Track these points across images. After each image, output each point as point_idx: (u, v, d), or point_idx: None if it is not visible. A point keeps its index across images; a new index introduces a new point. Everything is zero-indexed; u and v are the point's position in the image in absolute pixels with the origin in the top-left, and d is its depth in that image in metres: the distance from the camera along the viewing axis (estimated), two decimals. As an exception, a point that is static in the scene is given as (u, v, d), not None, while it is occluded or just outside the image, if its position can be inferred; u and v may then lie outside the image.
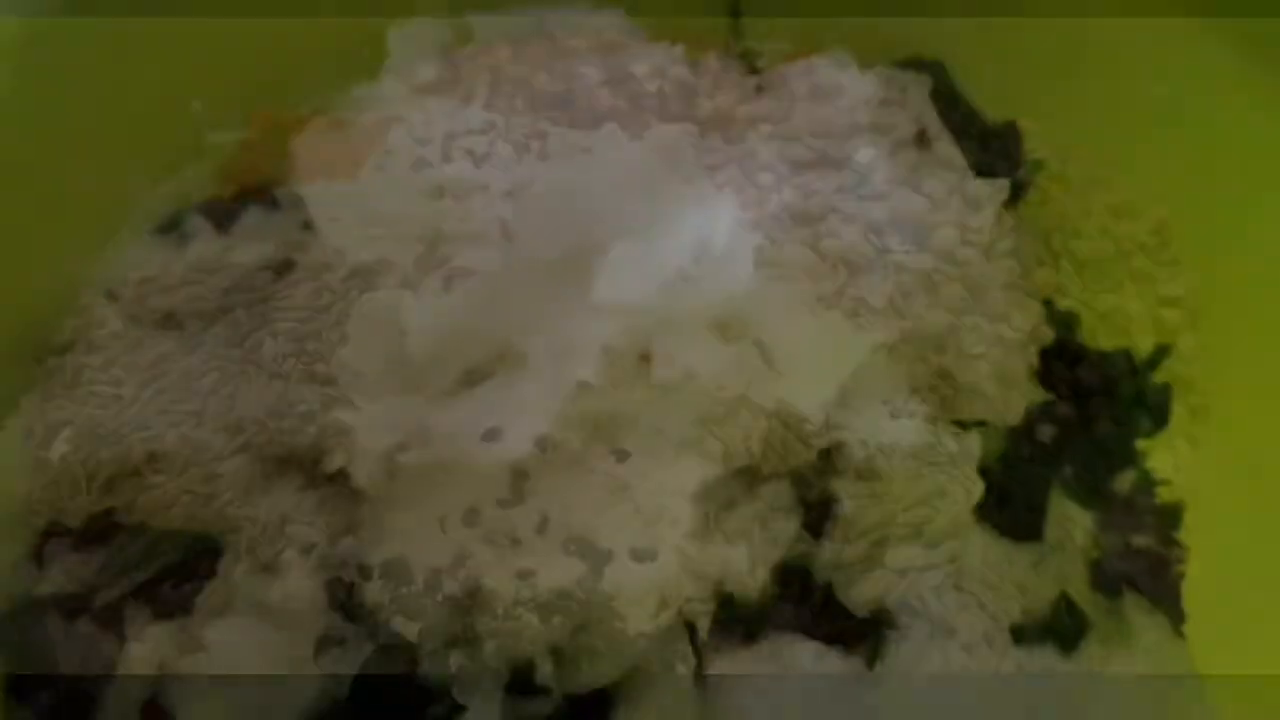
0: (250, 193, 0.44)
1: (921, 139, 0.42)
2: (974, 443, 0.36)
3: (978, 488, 0.36)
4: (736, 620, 0.35)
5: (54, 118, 0.39)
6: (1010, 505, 0.38)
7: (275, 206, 0.43)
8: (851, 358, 0.34)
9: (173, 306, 0.39)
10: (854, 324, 0.33)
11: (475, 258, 0.32)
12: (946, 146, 0.42)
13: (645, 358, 0.32)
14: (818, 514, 0.36)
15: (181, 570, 0.36)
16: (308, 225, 0.41)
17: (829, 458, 0.36)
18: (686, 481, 0.33)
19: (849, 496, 0.35)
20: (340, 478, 0.35)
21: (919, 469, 0.35)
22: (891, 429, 0.35)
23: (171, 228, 0.43)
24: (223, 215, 0.43)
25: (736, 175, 0.31)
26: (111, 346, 0.36)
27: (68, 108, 0.39)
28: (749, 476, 0.35)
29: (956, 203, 0.34)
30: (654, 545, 0.32)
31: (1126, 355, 0.43)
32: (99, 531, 0.36)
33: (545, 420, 0.31)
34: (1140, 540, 0.41)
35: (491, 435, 0.32)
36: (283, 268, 0.40)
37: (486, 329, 0.33)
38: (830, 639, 0.35)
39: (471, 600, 0.32)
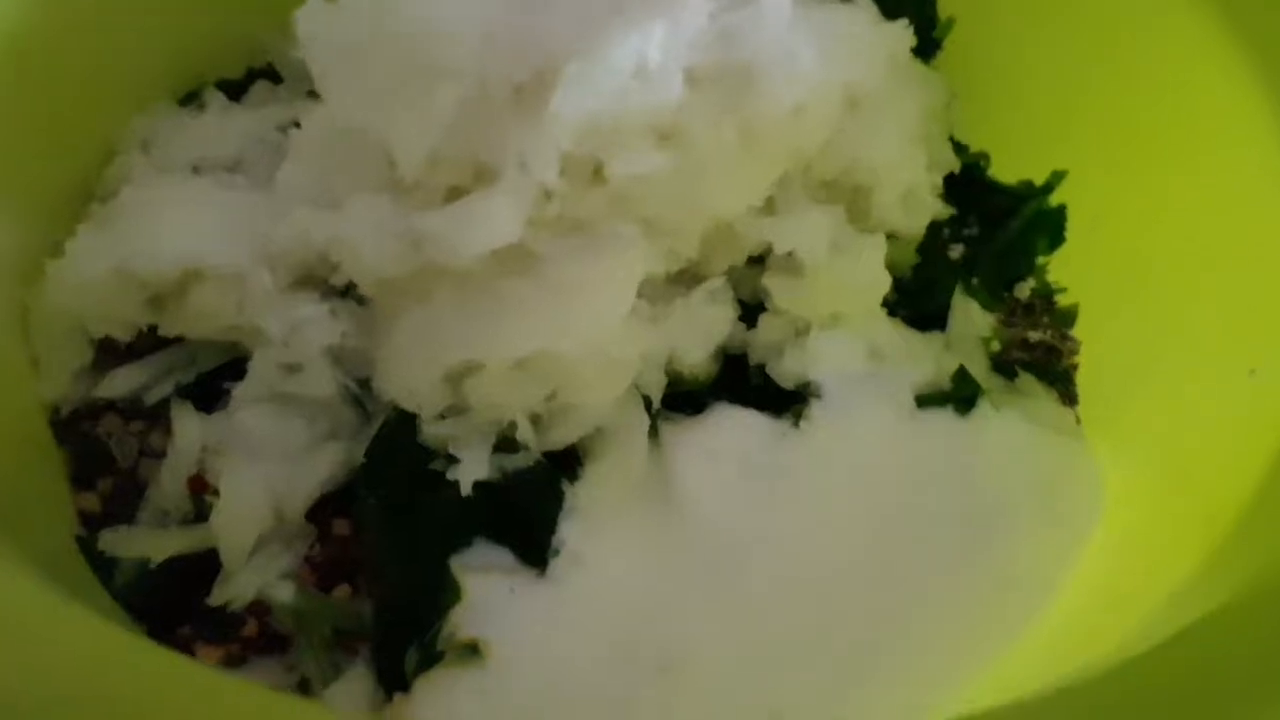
0: (259, 72, 0.50)
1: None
2: (880, 243, 0.42)
3: (885, 281, 0.42)
4: (685, 395, 0.41)
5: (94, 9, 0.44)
6: (919, 303, 0.45)
7: (279, 79, 0.49)
8: (770, 170, 0.40)
9: (197, 158, 0.45)
10: (776, 138, 0.39)
11: (451, 90, 0.38)
12: (866, 2, 0.47)
13: (599, 170, 0.38)
14: (751, 307, 0.42)
15: (218, 373, 0.42)
16: (312, 94, 0.46)
17: (760, 262, 0.42)
18: (633, 274, 0.38)
19: (777, 291, 0.41)
20: (349, 288, 0.41)
21: (836, 266, 0.41)
22: (812, 234, 0.41)
23: (190, 100, 0.49)
24: (234, 89, 0.49)
25: (662, 4, 0.37)
26: (148, 189, 0.42)
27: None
28: (692, 275, 0.42)
29: (854, 40, 0.40)
30: (608, 327, 0.38)
31: (1028, 185, 0.49)
32: (145, 345, 0.42)
33: (513, 222, 0.37)
34: (1037, 336, 0.47)
35: (473, 241, 0.38)
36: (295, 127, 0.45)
37: (465, 150, 0.39)
38: (763, 407, 0.41)
39: (463, 374, 0.38)
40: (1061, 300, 0.48)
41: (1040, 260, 0.48)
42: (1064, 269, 0.48)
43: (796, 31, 0.38)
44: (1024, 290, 0.48)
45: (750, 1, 0.38)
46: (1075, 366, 0.46)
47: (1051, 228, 0.48)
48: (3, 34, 0.41)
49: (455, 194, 0.39)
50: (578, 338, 0.37)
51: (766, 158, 0.39)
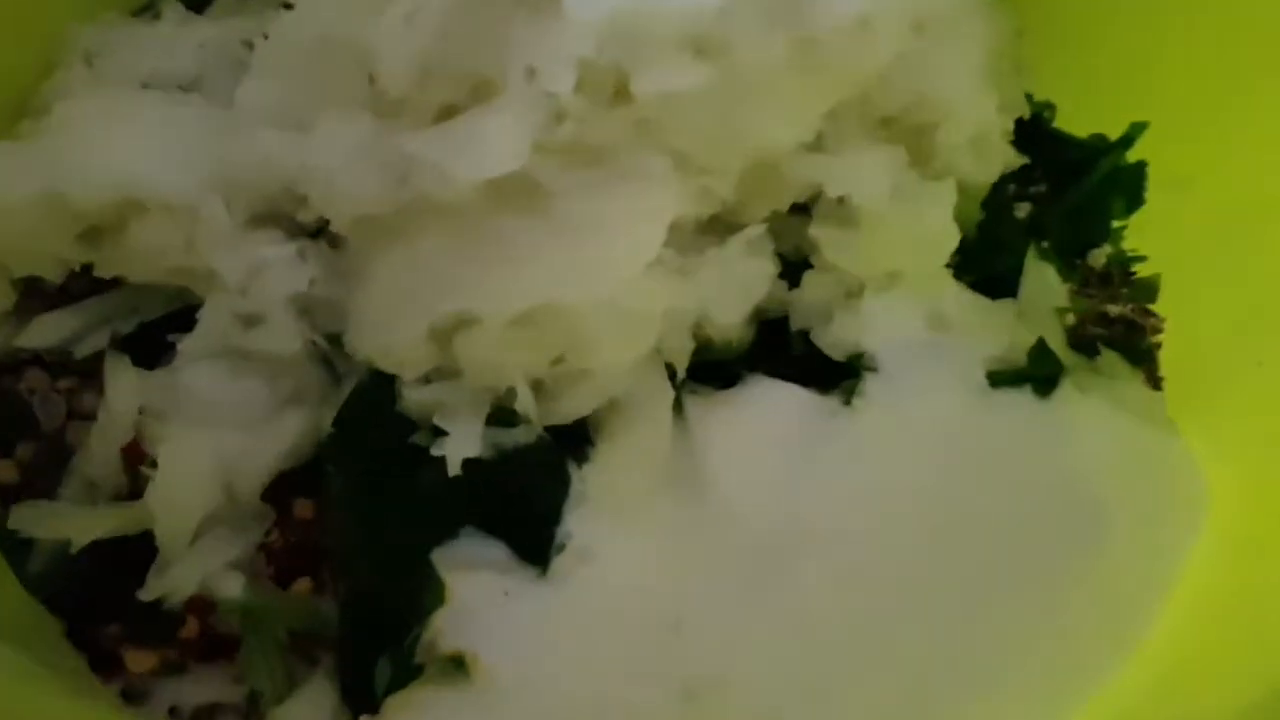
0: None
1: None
2: (950, 190, 0.36)
3: (954, 235, 0.36)
4: (714, 365, 0.35)
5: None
6: (983, 266, 0.39)
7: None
8: (825, 96, 0.34)
9: (148, 73, 0.38)
10: (833, 58, 0.33)
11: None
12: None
13: (622, 87, 0.32)
14: (794, 263, 0.36)
15: (162, 323, 0.36)
16: (286, 6, 0.40)
17: (806, 210, 0.36)
18: (663, 214, 0.32)
19: (827, 243, 0.35)
20: (321, 228, 0.35)
21: (897, 217, 0.35)
22: (871, 176, 0.35)
23: (146, 9, 0.42)
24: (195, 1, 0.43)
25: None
26: (89, 102, 0.35)
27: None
28: (727, 222, 0.35)
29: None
30: (627, 277, 0.32)
31: (1101, 138, 0.43)
32: (78, 287, 0.36)
33: (519, 143, 0.31)
34: (1116, 309, 0.41)
35: (468, 167, 0.31)
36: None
37: (460, 59, 0.32)
38: (807, 381, 0.35)
39: (452, 330, 0.32)
40: (1141, 270, 0.42)
41: (1116, 224, 0.43)
42: (1144, 235, 0.43)
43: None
44: (1098, 258, 0.42)
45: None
46: (1159, 346, 0.41)
47: (1129, 187, 0.43)
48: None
49: (448, 113, 0.33)
50: (591, 289, 0.32)
51: (821, 82, 0.33)
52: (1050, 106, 0.45)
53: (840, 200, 0.35)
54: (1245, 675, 0.28)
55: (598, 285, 0.32)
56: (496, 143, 0.31)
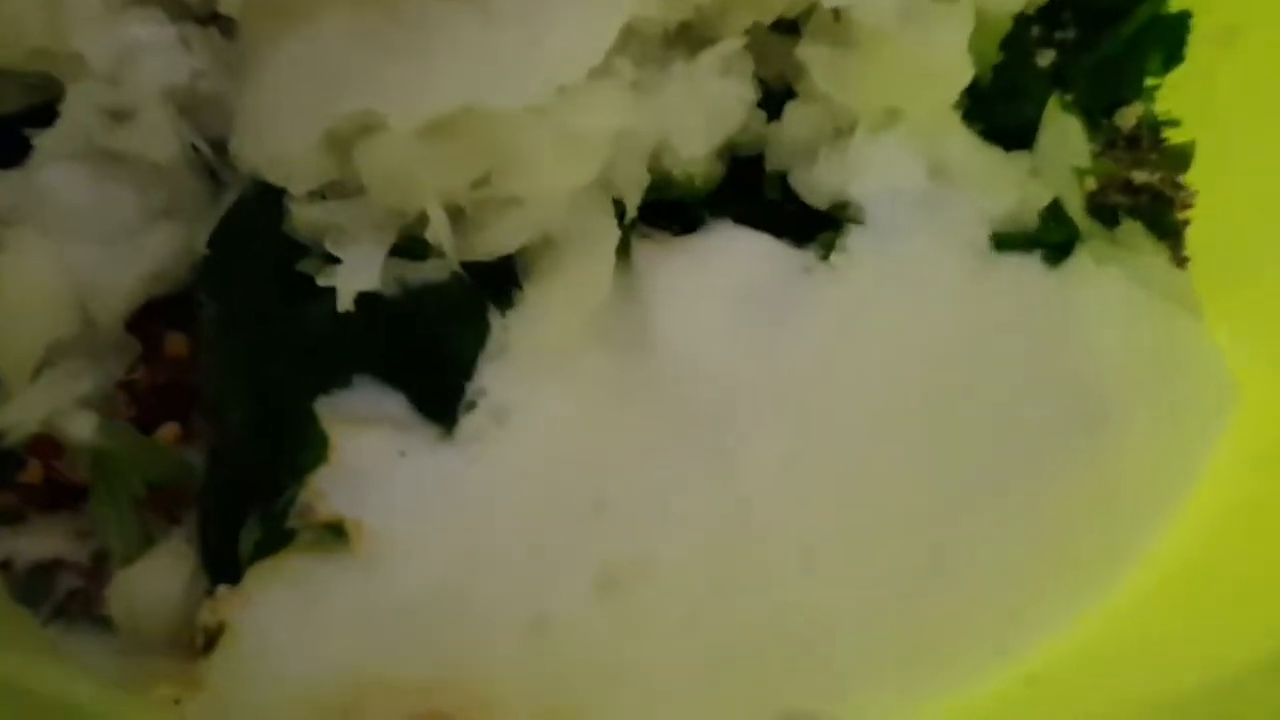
0: None
1: None
2: (967, 14, 0.31)
3: (967, 70, 0.32)
4: (672, 205, 0.31)
5: None
6: (997, 114, 0.35)
7: None
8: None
9: None
10: None
11: None
12: None
13: None
14: (775, 92, 0.32)
15: (18, 118, 0.31)
16: None
17: (795, 27, 0.32)
18: (619, 14, 0.28)
19: (817, 67, 0.31)
20: (210, 12, 0.31)
21: (901, 42, 0.31)
22: (873, -10, 0.30)
23: None
24: None
25: None
26: None
27: None
28: (699, 34, 0.31)
29: None
30: (569, 78, 0.28)
31: (1142, -25, 0.39)
32: (-80, 66, 0.31)
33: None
34: (1143, 176, 0.38)
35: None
36: None
37: None
38: (781, 231, 0.32)
39: (354, 135, 0.27)
40: (1173, 136, 0.39)
41: (1150, 82, 0.39)
42: (1179, 97, 0.39)
43: None
44: (1128, 118, 0.39)
45: None
46: (1187, 222, 0.37)
47: (1169, 41, 0.39)
48: None
49: None
50: (524, 94, 0.28)
51: None
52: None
53: (837, 15, 0.31)
54: (1264, 599, 0.26)
55: (533, 89, 0.27)
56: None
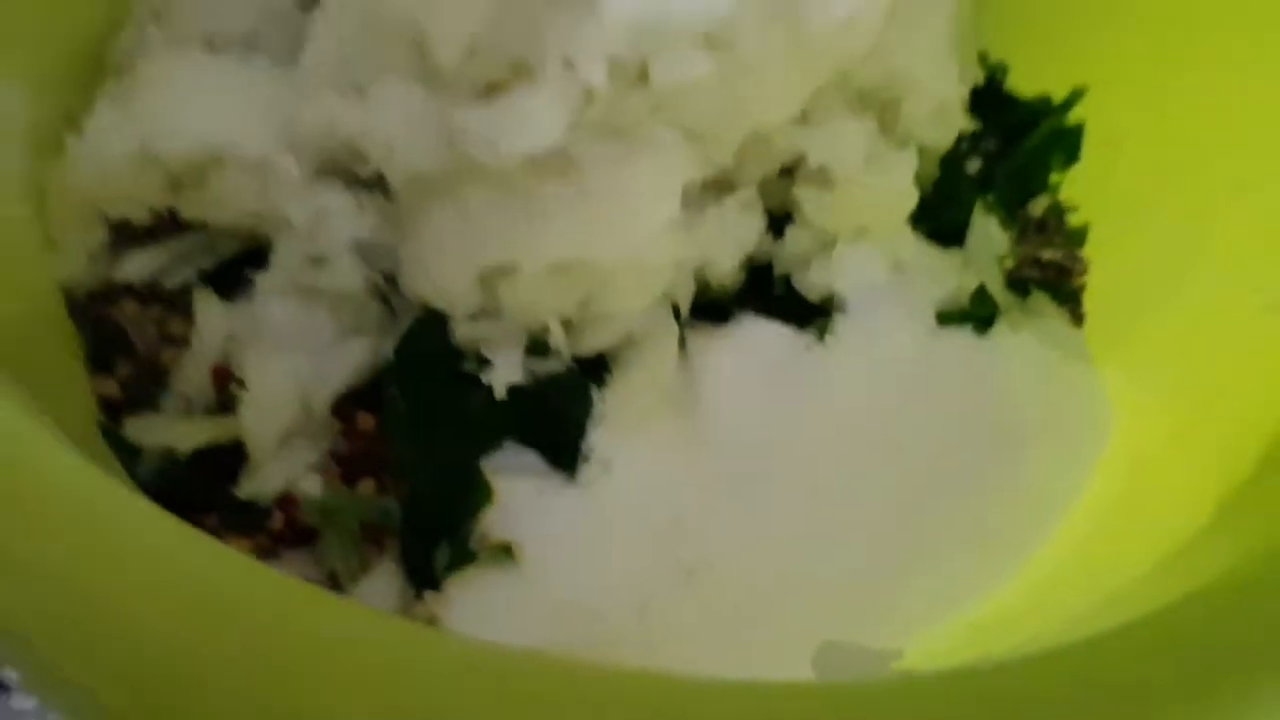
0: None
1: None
2: (912, 159, 0.42)
3: (914, 197, 0.42)
4: (711, 304, 0.41)
5: None
6: (940, 219, 0.45)
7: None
8: (812, 80, 0.39)
9: (211, 31, 0.43)
10: (822, 49, 0.39)
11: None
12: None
13: (644, 73, 0.38)
14: (780, 220, 0.42)
15: (242, 262, 0.41)
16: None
17: (791, 173, 0.42)
18: (675, 182, 0.38)
19: (807, 201, 0.42)
20: (379, 183, 0.40)
21: (867, 180, 0.41)
22: (848, 146, 0.41)
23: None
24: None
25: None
26: (168, 65, 0.40)
27: None
28: (724, 185, 0.41)
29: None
30: (645, 235, 0.38)
31: (1046, 100, 0.49)
32: (165, 228, 0.41)
33: (558, 123, 0.37)
34: (1049, 254, 0.48)
35: (515, 142, 0.37)
36: (308, 4, 0.44)
37: (504, 43, 0.38)
38: (788, 319, 0.42)
39: (496, 276, 0.38)
40: (1072, 219, 0.48)
41: (1055, 178, 0.49)
42: (1076, 187, 0.49)
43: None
44: (1037, 208, 0.48)
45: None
46: (1083, 286, 0.47)
47: (1068, 146, 0.48)
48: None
49: (492, 89, 0.38)
50: (615, 245, 0.37)
51: (810, 68, 0.38)
52: (1003, 67, 0.51)
53: (820, 166, 0.41)
54: (1134, 556, 0.33)
55: (622, 242, 0.37)
56: (538, 122, 0.36)
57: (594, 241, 0.37)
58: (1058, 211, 0.48)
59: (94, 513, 0.25)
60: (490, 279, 0.38)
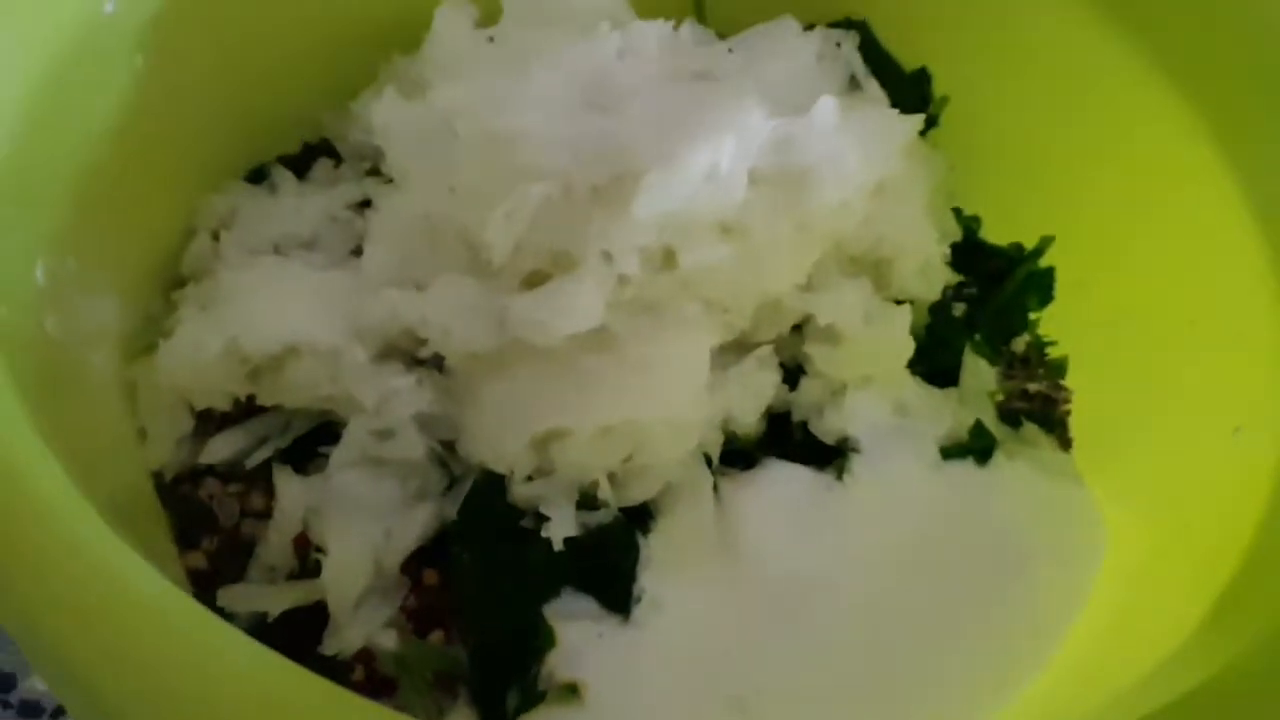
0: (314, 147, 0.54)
1: (852, 82, 0.54)
2: (906, 313, 0.47)
3: (910, 347, 0.47)
4: (738, 452, 0.46)
5: (166, 89, 0.48)
6: (934, 362, 0.50)
7: (335, 156, 0.53)
8: (813, 253, 0.45)
9: (278, 237, 0.49)
10: (820, 226, 0.45)
11: (538, 189, 0.43)
12: (874, 89, 0.53)
13: (670, 257, 0.43)
14: (794, 371, 0.47)
15: (314, 439, 0.45)
16: (372, 171, 0.51)
17: (801, 330, 0.48)
18: (704, 348, 0.43)
19: (817, 356, 0.46)
20: (435, 361, 0.45)
21: (868, 334, 0.47)
22: (849, 306, 0.46)
23: (258, 179, 0.52)
24: (295, 163, 0.53)
25: (731, 113, 0.42)
26: (244, 271, 0.46)
27: (177, 81, 0.48)
28: (743, 345, 0.46)
29: (884, 135, 0.46)
30: (680, 397, 0.43)
31: (1019, 247, 0.55)
32: (244, 414, 0.46)
33: (598, 306, 0.42)
34: (1035, 386, 0.52)
35: (561, 324, 0.42)
36: (362, 205, 0.50)
37: (546, 239, 0.43)
38: (807, 461, 0.46)
39: (548, 440, 0.43)
40: (1053, 352, 0.52)
41: (1033, 316, 0.54)
42: (1053, 324, 0.54)
43: (841, 135, 0.43)
44: (1020, 344, 0.52)
45: (803, 112, 0.43)
46: (1068, 413, 0.51)
47: (1041, 288, 0.53)
48: (89, 124, 0.44)
49: (535, 277, 0.44)
50: (654, 407, 0.42)
51: (811, 244, 0.44)
52: (976, 219, 0.57)
53: (826, 325, 0.47)
54: (1134, 666, 0.36)
55: (660, 405, 0.42)
56: (581, 306, 0.41)
57: (635, 405, 0.42)
58: (1039, 346, 0.53)
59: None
60: (543, 443, 0.43)
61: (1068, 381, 0.52)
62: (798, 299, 0.45)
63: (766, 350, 0.46)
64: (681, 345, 0.42)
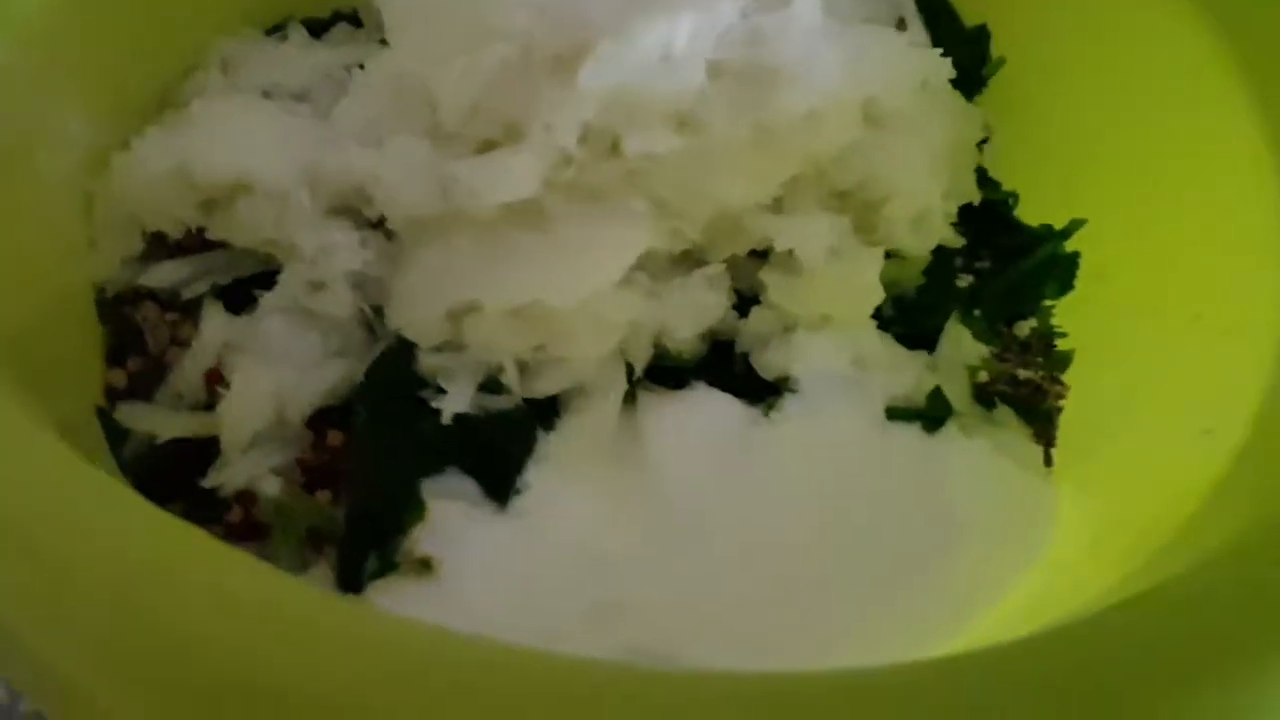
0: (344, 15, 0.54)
1: (900, 24, 0.50)
2: (878, 257, 0.44)
3: (878, 294, 0.44)
4: (669, 369, 0.44)
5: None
6: (917, 322, 0.47)
7: (359, 24, 0.53)
8: (780, 169, 0.42)
9: (270, 84, 0.48)
10: (788, 140, 0.42)
11: (497, 51, 0.41)
12: (918, 32, 0.50)
13: (616, 143, 0.41)
14: (746, 297, 0.45)
15: (251, 280, 0.45)
16: (384, 41, 0.50)
17: (762, 255, 0.45)
18: (634, 245, 0.41)
19: (772, 284, 0.44)
20: (382, 226, 0.44)
21: (832, 272, 0.43)
22: (814, 237, 0.43)
23: (276, 30, 0.53)
24: (317, 26, 0.53)
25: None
26: (216, 103, 0.46)
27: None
28: (694, 258, 0.44)
29: (882, 57, 0.42)
30: (598, 287, 0.41)
31: (1048, 228, 0.50)
32: (192, 244, 0.46)
33: (532, 179, 0.40)
34: (1027, 374, 0.49)
35: (495, 192, 0.41)
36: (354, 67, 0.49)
37: (500, 107, 0.42)
38: (739, 393, 0.43)
39: (464, 314, 0.41)
40: (1060, 344, 0.49)
41: (1047, 303, 0.50)
42: (1068, 315, 0.50)
43: (822, 42, 0.40)
44: (1023, 329, 0.49)
45: (782, 6, 0.40)
46: (1059, 410, 0.47)
47: (1062, 273, 0.49)
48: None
49: (487, 147, 0.42)
50: (572, 294, 0.40)
51: (777, 157, 0.41)
52: (1014, 195, 0.53)
53: (788, 252, 0.44)
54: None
55: (578, 293, 0.40)
56: (517, 175, 0.40)
57: (553, 288, 0.40)
58: (1045, 335, 0.49)
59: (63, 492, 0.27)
60: (458, 316, 0.42)
61: (1067, 377, 0.49)
62: (759, 219, 0.42)
63: (719, 269, 0.43)
64: (610, 235, 0.39)
